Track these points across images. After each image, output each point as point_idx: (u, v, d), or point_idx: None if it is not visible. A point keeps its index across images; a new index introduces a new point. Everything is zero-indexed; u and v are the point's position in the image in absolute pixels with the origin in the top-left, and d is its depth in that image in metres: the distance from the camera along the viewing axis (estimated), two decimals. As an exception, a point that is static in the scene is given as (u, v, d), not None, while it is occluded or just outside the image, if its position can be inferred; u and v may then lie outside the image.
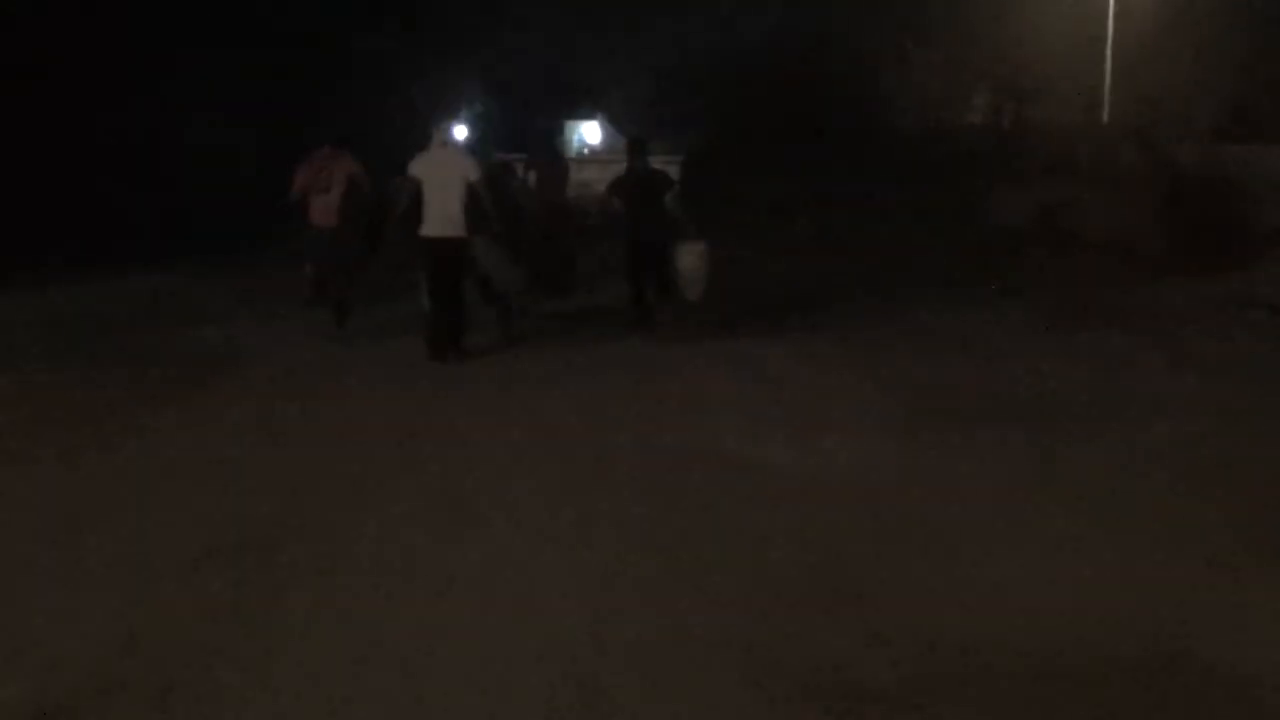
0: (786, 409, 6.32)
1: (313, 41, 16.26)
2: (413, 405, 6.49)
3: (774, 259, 12.65)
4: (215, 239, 12.97)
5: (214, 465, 5.22)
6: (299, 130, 10.49)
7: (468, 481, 4.95)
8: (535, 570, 3.91)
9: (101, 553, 4.09)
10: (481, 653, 3.26)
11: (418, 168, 7.64)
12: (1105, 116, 19.26)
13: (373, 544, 4.16)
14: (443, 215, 7.51)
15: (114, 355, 7.83)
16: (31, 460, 5.33)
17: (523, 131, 24.00)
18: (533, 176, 10.66)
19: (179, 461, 5.30)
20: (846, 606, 3.60)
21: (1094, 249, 11.03)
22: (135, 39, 14.11)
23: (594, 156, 35.94)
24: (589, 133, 41.83)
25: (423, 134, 8.18)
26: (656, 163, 9.71)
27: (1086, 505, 4.59)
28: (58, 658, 3.25)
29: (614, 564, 3.95)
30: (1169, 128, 14.86)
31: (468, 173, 7.57)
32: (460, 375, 7.32)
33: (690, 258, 8.40)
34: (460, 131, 38.80)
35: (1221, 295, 9.13)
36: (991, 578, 3.82)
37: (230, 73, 15.17)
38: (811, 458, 5.31)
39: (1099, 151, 13.53)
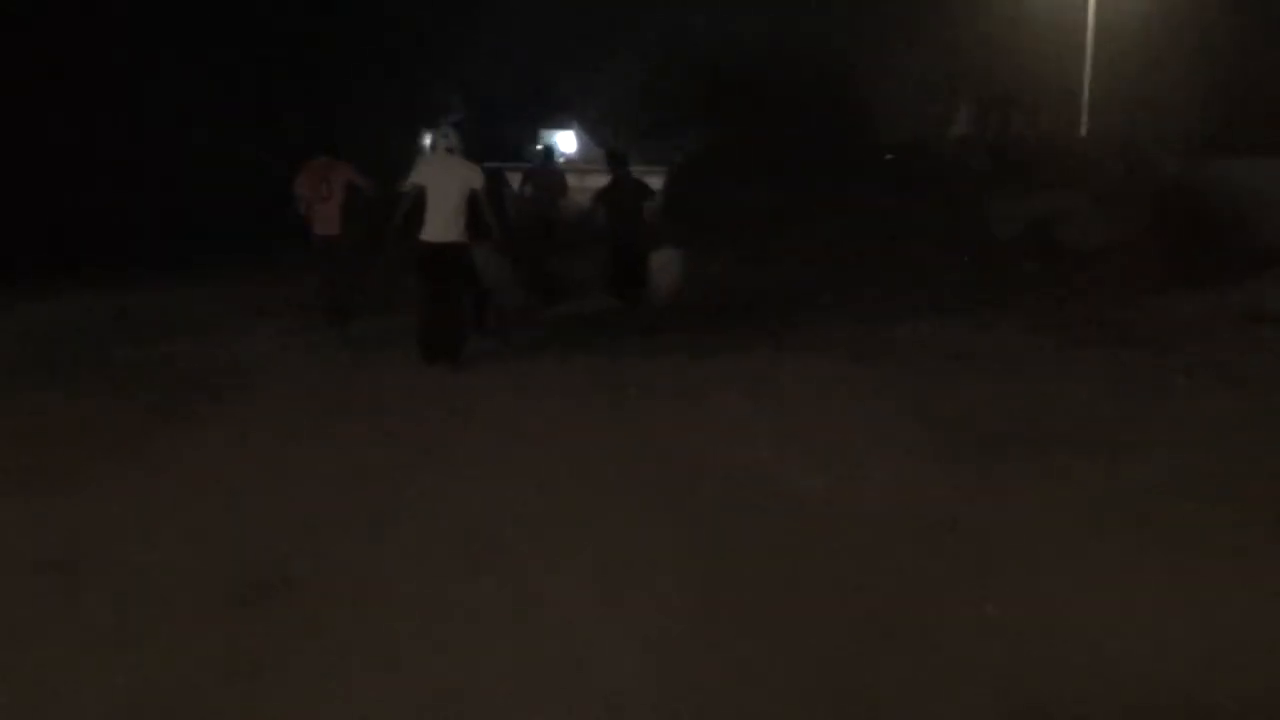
0: (777, 417, 6.24)
1: (313, 41, 16.08)
2: (414, 417, 6.33)
3: (760, 268, 12.55)
4: (214, 242, 12.80)
5: (219, 489, 4.96)
6: (299, 131, 10.37)
7: (476, 500, 4.81)
8: (555, 595, 3.77)
9: (108, 594, 3.77)
10: (521, 688, 3.14)
11: (422, 174, 7.58)
12: (1084, 129, 19.44)
13: (394, 575, 3.95)
14: (444, 221, 7.43)
15: (113, 367, 7.59)
16: (23, 487, 4.92)
17: (489, 140, 23.80)
18: (529, 187, 10.64)
19: (182, 486, 5.02)
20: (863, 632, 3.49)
21: (1088, 261, 11.00)
22: (135, 40, 13.92)
23: (569, 165, 35.81)
24: (564, 142, 41.73)
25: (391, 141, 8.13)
26: (636, 174, 9.76)
27: (1104, 522, 4.49)
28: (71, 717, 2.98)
29: (635, 583, 3.85)
30: (1150, 139, 15.00)
31: (472, 181, 7.50)
32: (456, 385, 7.15)
33: (663, 263, 8.55)
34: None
35: (1228, 308, 9.09)
36: (1025, 605, 3.69)
37: (230, 74, 14.98)
38: (806, 464, 5.22)
39: (1085, 163, 13.57)
